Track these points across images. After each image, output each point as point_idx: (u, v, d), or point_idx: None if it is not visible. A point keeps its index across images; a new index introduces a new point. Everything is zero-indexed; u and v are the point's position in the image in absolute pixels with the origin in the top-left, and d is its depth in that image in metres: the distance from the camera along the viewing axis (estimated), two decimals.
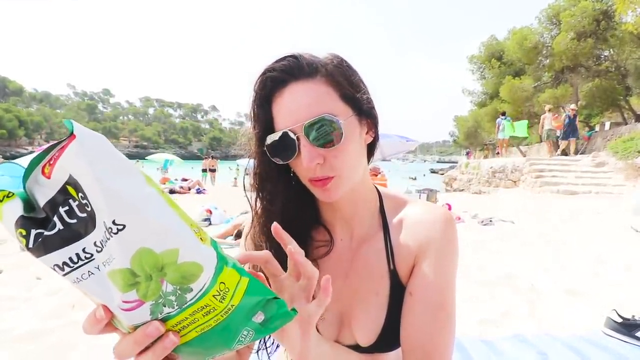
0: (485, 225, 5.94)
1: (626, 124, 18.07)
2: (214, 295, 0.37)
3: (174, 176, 19.27)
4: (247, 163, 0.74)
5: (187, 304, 0.35)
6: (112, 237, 0.31)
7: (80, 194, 0.31)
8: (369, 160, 0.77)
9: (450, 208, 7.20)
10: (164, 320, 0.36)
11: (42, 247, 0.31)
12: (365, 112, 0.70)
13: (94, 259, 0.32)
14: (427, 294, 0.69)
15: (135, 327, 0.36)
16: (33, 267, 3.50)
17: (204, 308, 0.37)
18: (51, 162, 0.31)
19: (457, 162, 23.14)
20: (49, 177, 0.31)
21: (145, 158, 24.44)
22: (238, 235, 4.76)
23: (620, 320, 2.06)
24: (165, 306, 0.35)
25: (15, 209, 0.31)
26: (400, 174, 30.04)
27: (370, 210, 0.78)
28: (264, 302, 0.42)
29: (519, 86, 20.94)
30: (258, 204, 0.73)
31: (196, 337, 0.38)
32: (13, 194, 0.31)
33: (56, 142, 0.31)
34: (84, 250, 0.32)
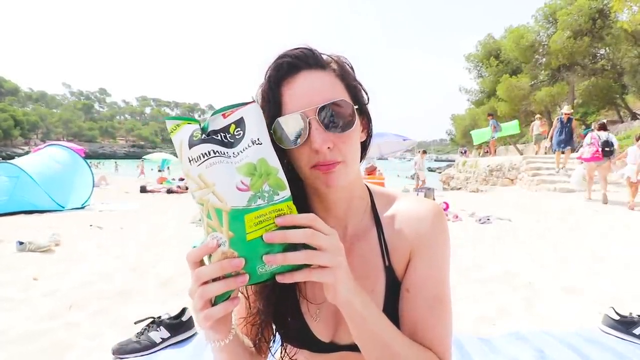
0: (482, 223, 5.95)
1: (622, 122, 18.18)
2: (287, 206, 0.54)
3: (172, 176, 19.18)
4: None
5: (274, 201, 0.53)
6: (253, 146, 0.53)
7: (237, 129, 0.54)
8: (360, 159, 0.78)
9: (447, 207, 7.22)
10: (252, 211, 0.51)
11: (204, 141, 0.53)
12: (364, 111, 0.72)
13: (229, 157, 0.53)
14: (424, 289, 0.70)
15: (221, 255, 0.51)
16: (29, 268, 3.48)
17: (279, 211, 0.53)
18: (232, 110, 0.55)
19: (454, 161, 23.19)
20: (225, 117, 0.55)
21: (143, 158, 24.36)
22: None
23: (617, 317, 2.07)
24: (259, 198, 0.51)
25: (192, 128, 0.54)
26: (398, 172, 30.08)
27: (362, 207, 0.78)
28: None
29: (516, 84, 21.01)
30: None
31: (259, 237, 0.51)
32: (196, 121, 0.56)
33: (239, 103, 0.56)
34: (225, 153, 0.53)
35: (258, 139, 0.54)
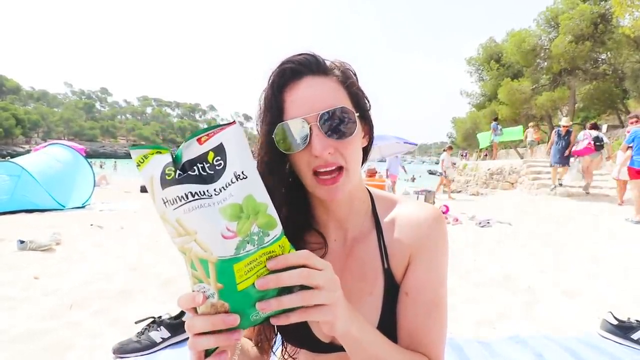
0: (483, 226, 5.96)
1: (623, 126, 18.15)
2: (279, 245, 0.50)
3: None
4: None
5: (264, 245, 0.48)
6: (237, 181, 0.46)
7: (215, 158, 0.46)
8: (362, 164, 0.79)
9: (447, 210, 7.22)
10: (242, 259, 0.46)
11: (179, 182, 0.46)
12: (366, 117, 0.73)
13: (211, 197, 0.45)
14: (422, 293, 0.71)
15: (211, 307, 0.47)
16: (30, 267, 3.49)
17: (270, 253, 0.49)
18: (209, 135, 0.47)
19: (455, 164, 23.15)
20: (201, 144, 0.47)
21: None
22: None
23: (615, 322, 2.08)
24: (248, 243, 0.46)
25: (163, 162, 0.47)
26: (398, 175, 30.02)
27: (363, 211, 0.79)
28: None
29: (517, 88, 21.05)
30: None
31: (251, 285, 0.47)
32: (166, 150, 0.48)
33: (217, 125, 0.48)
34: (205, 192, 0.46)
35: (242, 172, 0.47)
